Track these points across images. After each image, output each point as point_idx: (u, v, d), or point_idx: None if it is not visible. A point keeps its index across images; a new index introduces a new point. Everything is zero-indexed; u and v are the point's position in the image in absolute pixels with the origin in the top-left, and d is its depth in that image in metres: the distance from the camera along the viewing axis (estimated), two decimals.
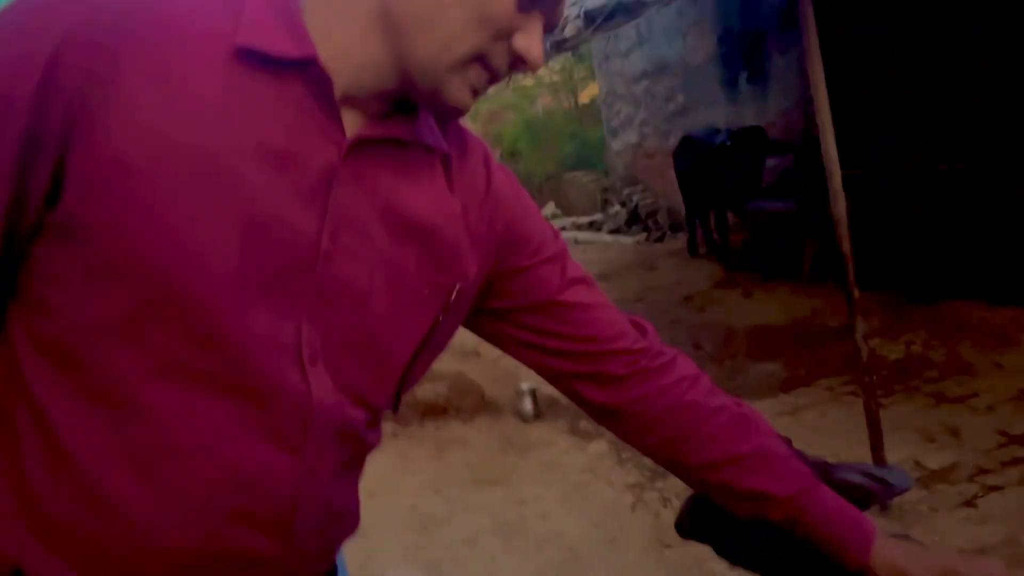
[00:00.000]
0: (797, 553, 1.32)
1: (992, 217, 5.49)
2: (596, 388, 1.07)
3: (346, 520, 0.90)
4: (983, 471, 3.50)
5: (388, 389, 0.87)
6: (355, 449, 0.86)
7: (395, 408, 0.90)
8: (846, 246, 3.32)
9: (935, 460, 3.67)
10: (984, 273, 5.46)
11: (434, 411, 5.08)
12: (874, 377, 4.10)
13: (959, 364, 4.70)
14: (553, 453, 4.63)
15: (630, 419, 1.08)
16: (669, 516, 3.61)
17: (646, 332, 1.08)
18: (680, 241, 9.58)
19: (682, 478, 1.15)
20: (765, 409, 4.28)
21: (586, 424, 4.96)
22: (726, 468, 1.06)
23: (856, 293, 3.36)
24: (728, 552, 1.48)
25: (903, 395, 4.46)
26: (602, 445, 4.61)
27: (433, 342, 0.88)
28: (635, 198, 11.49)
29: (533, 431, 5.01)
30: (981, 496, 3.32)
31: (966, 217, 5.62)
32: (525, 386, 5.17)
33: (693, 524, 1.49)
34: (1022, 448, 3.63)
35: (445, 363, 4.94)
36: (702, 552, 3.27)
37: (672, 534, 3.55)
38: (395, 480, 4.26)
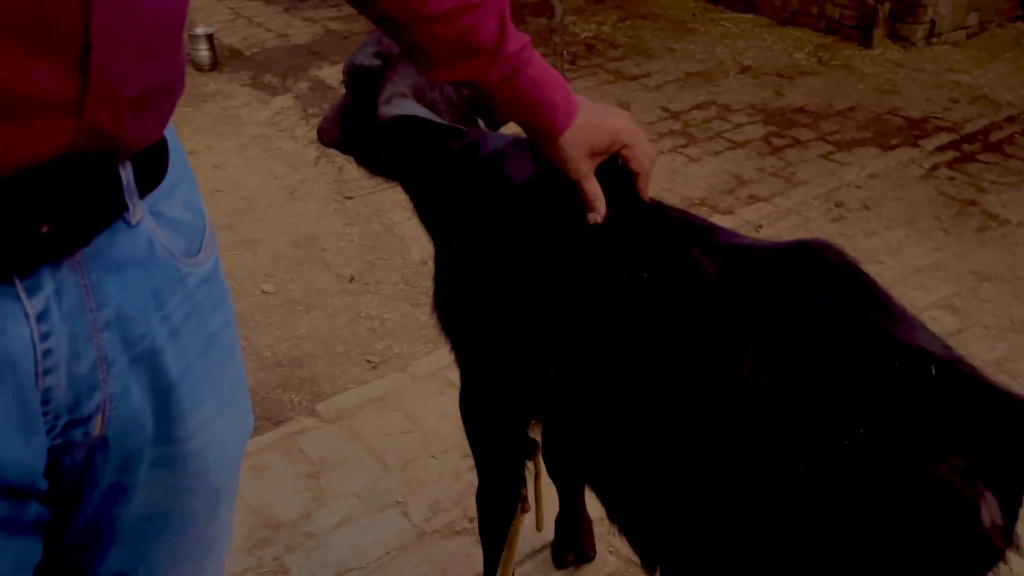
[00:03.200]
0: (429, 163, 1.30)
1: None
2: None
3: (161, 61, 0.63)
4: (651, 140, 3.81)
5: None
6: None
7: None
8: None
9: None
10: None
11: None
12: (566, 52, 4.19)
13: (640, 47, 4.94)
14: (231, 105, 4.25)
15: None
16: (352, 170, 3.53)
17: None
18: None
19: (402, 37, 1.00)
20: None
21: (271, 78, 4.59)
22: (455, 16, 0.93)
23: None
24: (369, 163, 1.46)
25: (588, 71, 4.63)
26: (287, 100, 4.32)
27: None
28: None
29: (210, 82, 4.54)
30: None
31: None
32: (200, 30, 4.58)
33: (333, 133, 1.43)
34: (677, 121, 3.99)
35: None
36: (382, 202, 3.26)
37: (354, 186, 3.48)
38: None
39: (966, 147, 3.70)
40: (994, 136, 3.78)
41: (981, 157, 3.62)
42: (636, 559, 1.78)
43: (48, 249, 0.58)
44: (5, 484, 0.59)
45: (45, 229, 0.56)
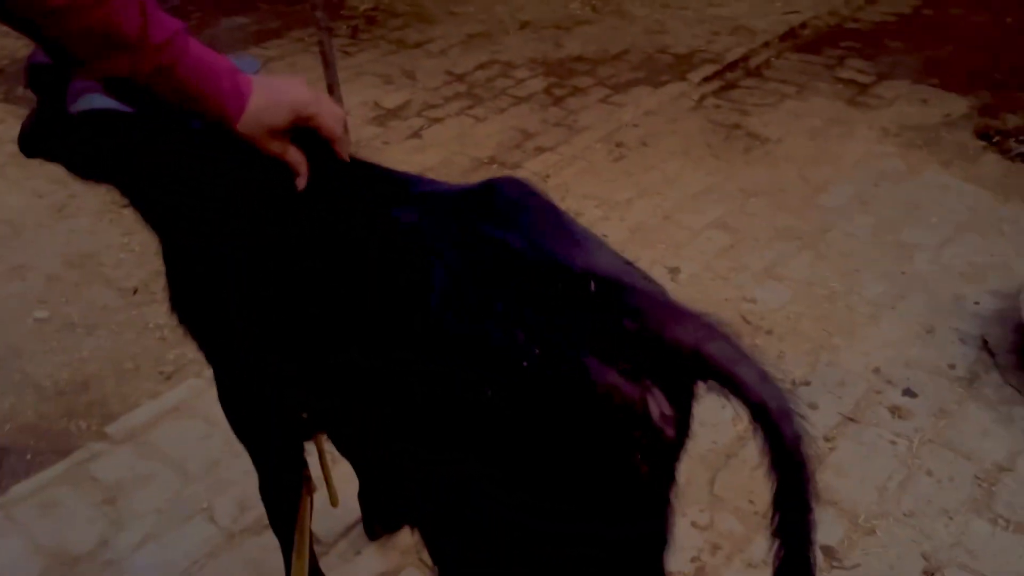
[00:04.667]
0: (136, 154, 1.23)
1: None
2: None
3: None
4: (430, 106, 3.82)
5: None
6: None
7: None
8: None
9: (391, 100, 3.89)
10: None
11: None
12: (346, 26, 4.10)
13: (420, 14, 4.92)
14: None
15: None
16: None
17: None
18: None
19: (40, 36, 0.92)
20: None
21: (26, 91, 4.21)
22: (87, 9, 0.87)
23: None
24: (77, 168, 1.34)
25: (370, 43, 4.57)
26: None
27: None
28: None
29: None
30: (427, 128, 3.64)
31: None
32: None
33: (32, 141, 1.31)
34: (462, 84, 4.02)
35: None
36: None
37: None
38: None
39: (729, 75, 3.94)
40: (753, 62, 4.06)
41: (743, 83, 3.88)
42: None
43: None
44: None
45: None
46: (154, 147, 1.21)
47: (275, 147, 1.03)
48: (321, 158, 1.09)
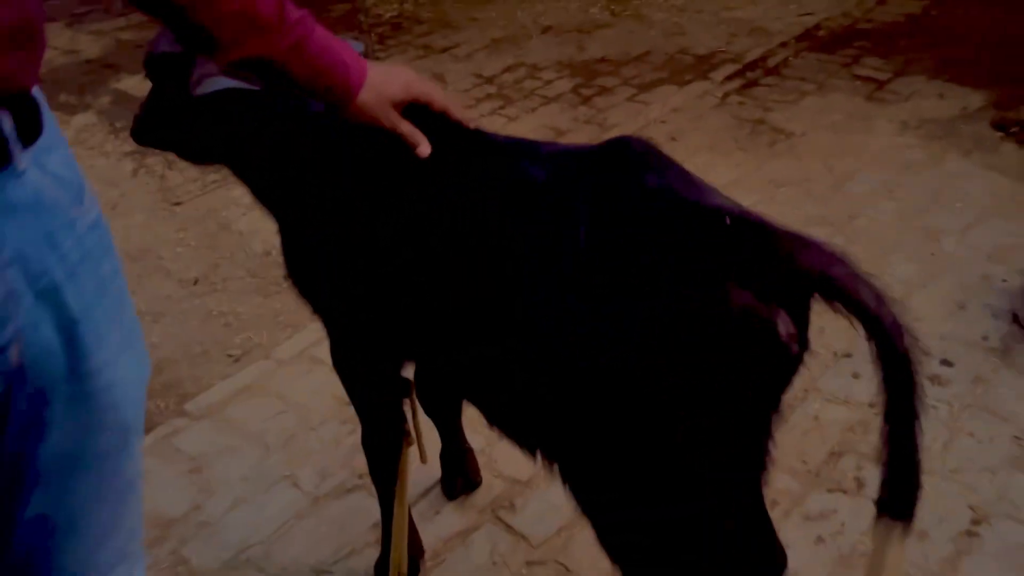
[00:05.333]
0: (256, 132, 1.34)
1: None
2: None
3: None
4: (464, 107, 3.94)
5: None
6: None
7: None
8: None
9: None
10: None
11: None
12: (372, 33, 4.25)
13: (444, 20, 5.06)
14: None
15: None
16: (175, 177, 3.46)
17: None
18: None
19: (185, 24, 1.02)
20: None
21: (67, 97, 4.35)
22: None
23: None
24: (191, 152, 1.45)
25: (397, 49, 4.70)
26: (89, 117, 4.13)
27: None
28: None
29: None
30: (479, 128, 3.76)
31: None
32: None
33: (148, 128, 1.41)
34: (491, 86, 4.15)
35: None
36: (214, 202, 3.22)
37: (180, 192, 3.41)
38: None
39: (749, 74, 4.08)
40: (771, 61, 4.19)
41: (763, 81, 4.01)
42: (520, 477, 1.93)
43: None
44: None
45: None
46: (278, 121, 1.33)
47: (392, 119, 1.14)
48: (440, 132, 1.20)
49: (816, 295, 0.95)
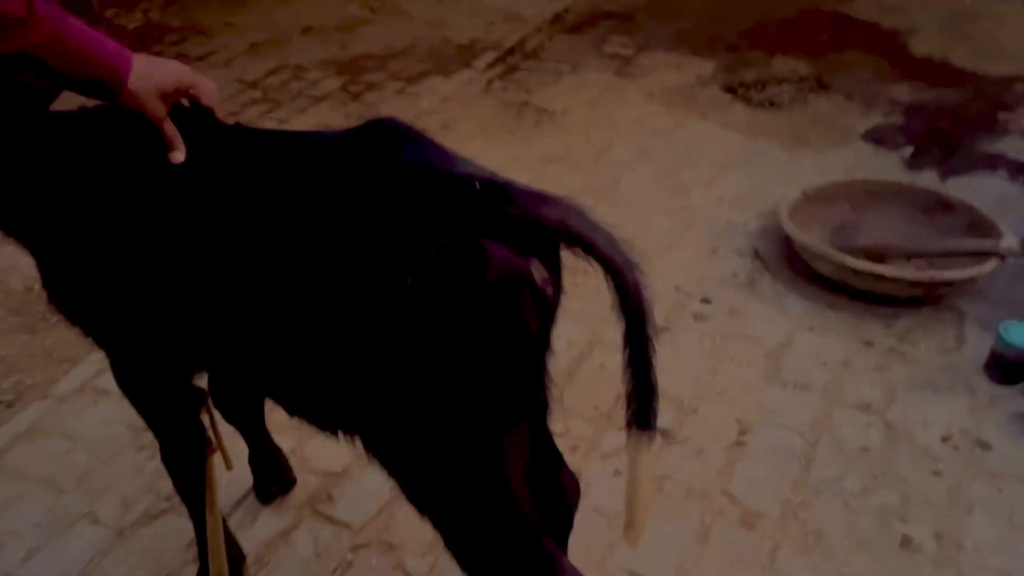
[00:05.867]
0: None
1: None
2: None
3: None
4: (230, 114, 3.79)
5: None
6: None
7: None
8: None
9: None
10: None
11: None
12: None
13: (196, 26, 4.86)
14: None
15: None
16: None
17: None
18: None
19: None
20: None
21: None
22: None
23: None
24: None
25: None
26: None
27: None
28: None
29: None
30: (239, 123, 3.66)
31: None
32: None
33: None
34: (256, 90, 4.06)
35: None
36: None
37: None
38: None
39: (510, 59, 4.28)
40: (528, 46, 4.42)
41: (523, 65, 4.22)
42: (334, 469, 1.96)
43: None
44: None
45: None
46: (13, 137, 1.26)
47: (160, 109, 1.14)
48: (200, 128, 1.21)
49: (562, 244, 1.07)
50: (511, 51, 4.35)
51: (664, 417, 2.08)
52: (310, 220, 1.08)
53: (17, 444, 2.10)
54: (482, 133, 3.59)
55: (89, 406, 2.20)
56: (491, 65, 4.20)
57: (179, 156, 1.18)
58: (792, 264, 2.62)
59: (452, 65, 4.23)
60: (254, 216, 1.13)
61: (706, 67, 4.07)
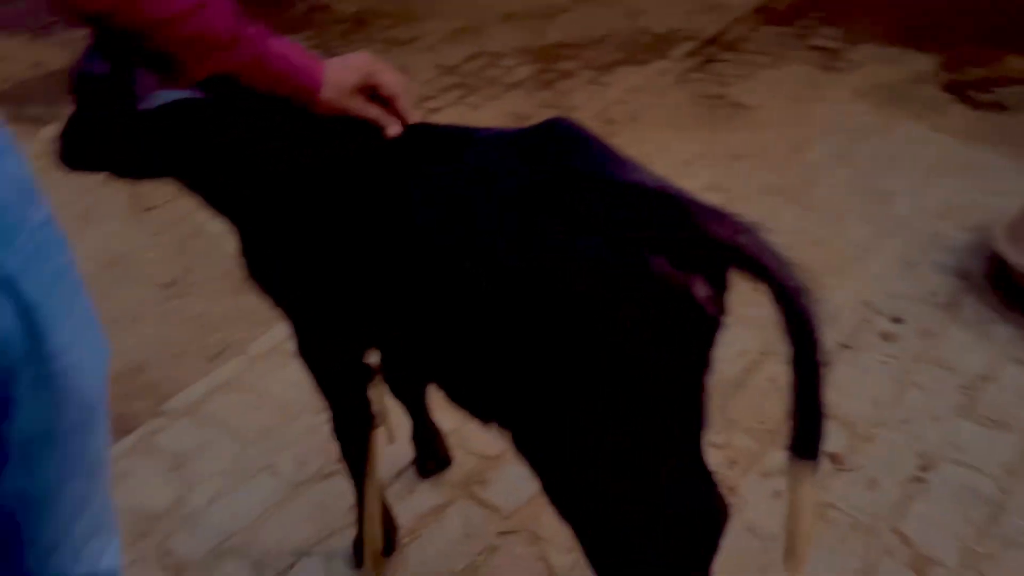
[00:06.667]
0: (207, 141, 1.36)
1: None
2: None
3: None
4: (427, 98, 4.00)
5: None
6: None
7: None
8: None
9: None
10: None
11: None
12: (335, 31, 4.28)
13: (407, 12, 5.09)
14: None
15: None
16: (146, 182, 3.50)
17: None
18: None
19: (143, 47, 1.07)
20: None
21: (35, 109, 4.37)
22: (190, 14, 1.04)
23: None
24: (131, 170, 1.46)
25: (362, 43, 4.74)
26: (58, 128, 4.14)
27: None
28: None
29: None
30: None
31: None
32: None
33: (80, 151, 1.41)
34: (454, 75, 4.20)
35: None
36: (186, 207, 3.26)
37: (153, 196, 3.45)
38: None
39: (707, 51, 4.15)
40: (728, 37, 4.26)
41: (721, 57, 4.08)
42: (490, 453, 2.01)
43: None
44: None
45: None
46: (238, 125, 1.37)
47: (358, 105, 1.21)
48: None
49: (732, 265, 1.03)
50: (710, 42, 4.22)
51: (835, 441, 1.96)
52: (476, 220, 1.10)
53: (215, 394, 2.33)
54: (671, 125, 3.51)
55: (278, 367, 2.39)
56: (687, 56, 4.09)
57: (394, 129, 1.24)
58: (1003, 287, 2.36)
59: (646, 55, 4.16)
60: (425, 212, 1.17)
61: (925, 63, 3.74)
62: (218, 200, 1.49)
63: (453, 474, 1.97)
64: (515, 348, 1.07)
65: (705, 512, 1.30)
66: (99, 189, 3.55)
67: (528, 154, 1.11)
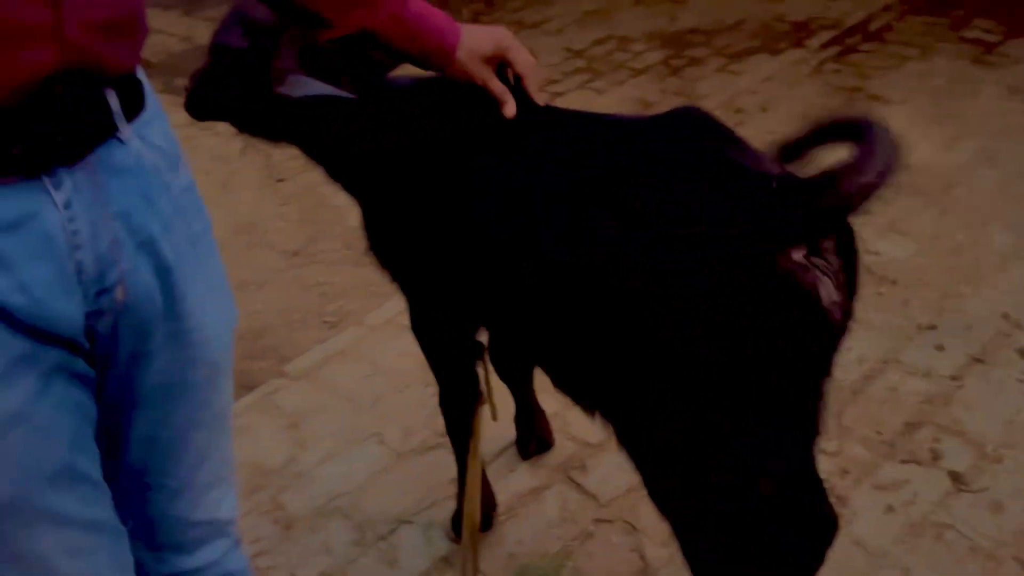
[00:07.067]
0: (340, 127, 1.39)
1: None
2: None
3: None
4: (552, 81, 4.00)
5: None
6: None
7: None
8: None
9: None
10: None
11: None
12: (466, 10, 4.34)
13: None
14: None
15: None
16: (279, 155, 3.66)
17: None
18: None
19: (289, 4, 1.13)
20: None
21: (183, 81, 4.62)
22: None
23: None
24: (255, 130, 1.51)
25: (491, 24, 4.76)
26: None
27: None
28: None
29: None
30: (550, 102, 3.82)
31: None
32: None
33: (204, 102, 1.45)
34: (579, 59, 4.18)
35: None
36: (314, 180, 3.39)
37: (283, 168, 3.58)
38: None
39: (848, 40, 3.95)
40: (872, 26, 4.05)
41: (862, 47, 3.88)
42: (591, 440, 2.01)
43: (62, 154, 0.75)
44: (60, 335, 0.77)
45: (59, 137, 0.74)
46: (378, 131, 1.39)
47: (485, 72, 1.22)
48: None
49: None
50: (852, 31, 4.02)
51: (960, 459, 1.85)
52: (592, 208, 1.09)
53: (331, 361, 2.42)
54: (802, 117, 3.37)
55: (392, 338, 2.46)
56: (826, 45, 3.92)
57: (511, 108, 1.25)
58: None
59: (782, 43, 4.01)
60: (544, 199, 1.17)
61: None
62: (341, 175, 1.54)
63: (553, 457, 1.98)
64: (587, 343, 1.07)
65: (812, 521, 1.26)
66: (237, 159, 3.74)
67: (658, 144, 1.09)
